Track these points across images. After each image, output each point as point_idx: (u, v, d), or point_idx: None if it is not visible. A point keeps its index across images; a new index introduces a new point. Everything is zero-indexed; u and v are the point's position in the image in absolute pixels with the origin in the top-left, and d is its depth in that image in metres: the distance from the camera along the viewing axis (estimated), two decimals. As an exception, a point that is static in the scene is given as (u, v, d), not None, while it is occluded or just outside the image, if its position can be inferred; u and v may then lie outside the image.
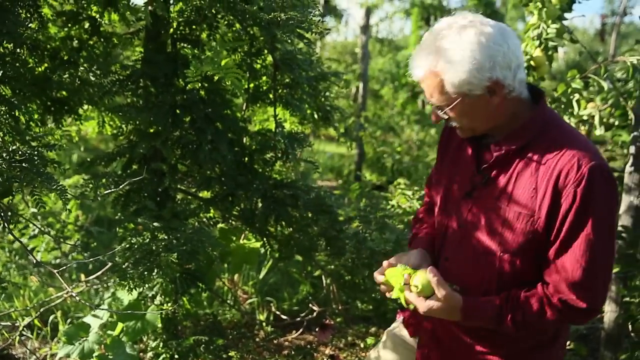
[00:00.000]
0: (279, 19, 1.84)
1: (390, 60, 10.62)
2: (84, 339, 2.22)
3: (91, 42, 2.43)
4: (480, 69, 1.28)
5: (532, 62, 2.87)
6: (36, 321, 3.03)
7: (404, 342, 1.71)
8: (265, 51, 2.28)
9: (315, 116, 2.59)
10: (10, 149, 1.88)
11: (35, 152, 1.88)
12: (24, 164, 1.80)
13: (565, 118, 2.57)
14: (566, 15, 2.71)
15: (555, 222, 1.30)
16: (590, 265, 1.28)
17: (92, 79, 2.26)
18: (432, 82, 1.33)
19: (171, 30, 2.28)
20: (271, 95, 2.33)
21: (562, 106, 2.51)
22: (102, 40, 2.43)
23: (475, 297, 1.38)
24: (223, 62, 1.96)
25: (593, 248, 1.27)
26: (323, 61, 2.67)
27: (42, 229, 2.82)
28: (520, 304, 1.33)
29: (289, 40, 2.11)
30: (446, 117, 1.38)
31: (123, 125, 2.47)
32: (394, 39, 12.23)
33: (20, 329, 2.85)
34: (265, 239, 2.39)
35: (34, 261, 3.40)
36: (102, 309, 2.17)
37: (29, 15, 2.02)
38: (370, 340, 2.73)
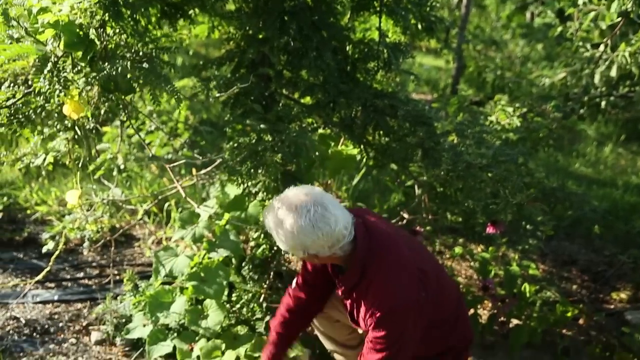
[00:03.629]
0: None
1: (500, -34, 9.80)
2: (196, 225, 2.48)
3: (203, -53, 2.49)
4: (293, 248, 1.69)
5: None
6: (153, 208, 3.40)
7: None
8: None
9: (419, 27, 2.55)
10: (133, 50, 2.05)
11: (154, 54, 2.04)
12: (144, 65, 1.97)
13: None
14: None
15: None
16: None
17: (207, -16, 2.35)
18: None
19: None
20: (376, 4, 2.32)
21: None
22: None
23: None
24: (332, -32, 1.97)
25: (382, 357, 1.71)
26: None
27: (157, 125, 3.08)
28: None
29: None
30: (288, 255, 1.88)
31: (232, 30, 2.57)
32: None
33: (140, 214, 3.22)
34: (362, 147, 2.48)
35: (150, 154, 3.74)
36: (221, 193, 2.38)
37: None
38: (457, 250, 2.82)
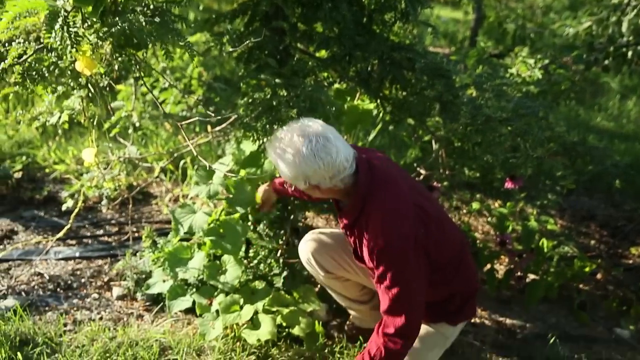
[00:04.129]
0: None
1: None
2: (211, 182, 2.48)
3: None
4: (295, 178, 1.72)
5: None
6: (169, 165, 3.41)
7: None
8: None
9: (438, -26, 2.45)
10: (143, 3, 2.00)
11: (165, 7, 1.99)
12: (156, 19, 1.92)
13: None
14: None
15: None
16: (394, 304, 1.74)
17: None
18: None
19: None
20: (394, -50, 2.22)
21: None
22: None
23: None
24: None
25: (394, 296, 1.72)
26: None
27: (171, 82, 3.05)
28: (373, 349, 1.80)
29: None
30: (291, 189, 1.95)
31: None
32: None
33: (157, 171, 3.24)
34: (379, 101, 2.43)
35: (164, 112, 3.72)
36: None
37: None
38: (475, 205, 2.80)
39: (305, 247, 2.17)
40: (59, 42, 1.71)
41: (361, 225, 1.78)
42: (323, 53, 2.45)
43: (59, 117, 2.27)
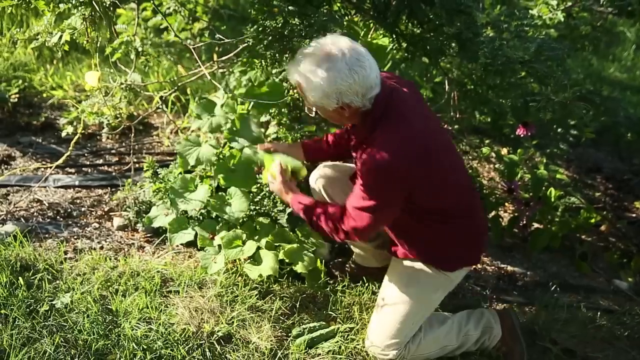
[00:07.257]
0: None
1: None
2: (212, 114, 2.39)
3: None
4: (327, 97, 1.63)
5: None
6: (170, 97, 3.31)
7: None
8: None
9: None
10: None
11: None
12: None
13: None
14: None
15: None
16: (357, 210, 1.74)
17: None
18: (300, 92, 1.72)
19: None
20: None
21: None
22: None
23: (302, 196, 1.92)
24: None
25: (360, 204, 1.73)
26: None
27: (176, 7, 2.89)
28: (319, 214, 1.85)
29: None
30: (312, 114, 1.80)
31: None
32: None
33: (156, 101, 3.13)
34: (394, 37, 2.31)
35: (166, 40, 3.58)
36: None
37: None
38: (485, 150, 2.74)
39: (317, 178, 2.15)
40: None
41: (364, 149, 1.73)
42: (338, -19, 2.30)
43: (60, 37, 2.15)
